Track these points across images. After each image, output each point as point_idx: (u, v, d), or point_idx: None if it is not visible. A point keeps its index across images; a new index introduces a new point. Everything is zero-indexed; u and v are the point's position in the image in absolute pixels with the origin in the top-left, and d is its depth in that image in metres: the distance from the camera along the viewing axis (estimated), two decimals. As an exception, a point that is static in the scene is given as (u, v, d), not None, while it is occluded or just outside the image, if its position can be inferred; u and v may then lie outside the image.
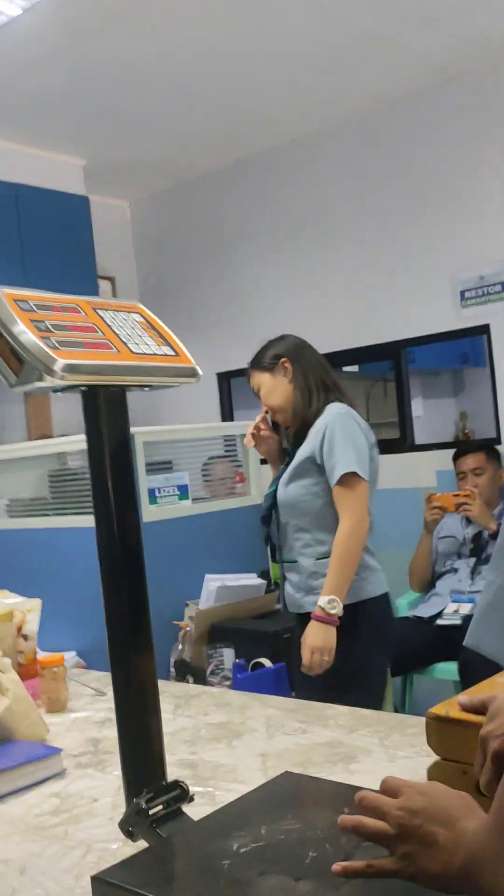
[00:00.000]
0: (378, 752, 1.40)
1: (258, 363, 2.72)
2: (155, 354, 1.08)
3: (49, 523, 3.57)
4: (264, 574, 3.60)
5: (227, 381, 5.29)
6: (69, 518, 3.56)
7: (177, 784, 1.05)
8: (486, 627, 0.63)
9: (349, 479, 2.43)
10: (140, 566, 1.06)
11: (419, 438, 4.49)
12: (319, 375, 2.66)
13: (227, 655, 2.98)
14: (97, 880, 0.86)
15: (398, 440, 4.49)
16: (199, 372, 1.13)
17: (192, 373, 1.11)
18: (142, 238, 5.67)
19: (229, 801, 1.24)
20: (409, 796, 0.78)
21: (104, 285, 5.33)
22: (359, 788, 1.05)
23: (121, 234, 5.66)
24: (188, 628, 3.12)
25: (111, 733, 1.64)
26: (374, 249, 4.46)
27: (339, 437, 2.47)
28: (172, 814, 1.02)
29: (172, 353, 1.11)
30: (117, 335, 1.07)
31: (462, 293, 4.11)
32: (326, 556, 2.50)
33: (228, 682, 2.90)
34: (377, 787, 1.21)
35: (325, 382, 2.66)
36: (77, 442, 3.73)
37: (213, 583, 3.23)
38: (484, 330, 4.06)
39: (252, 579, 3.38)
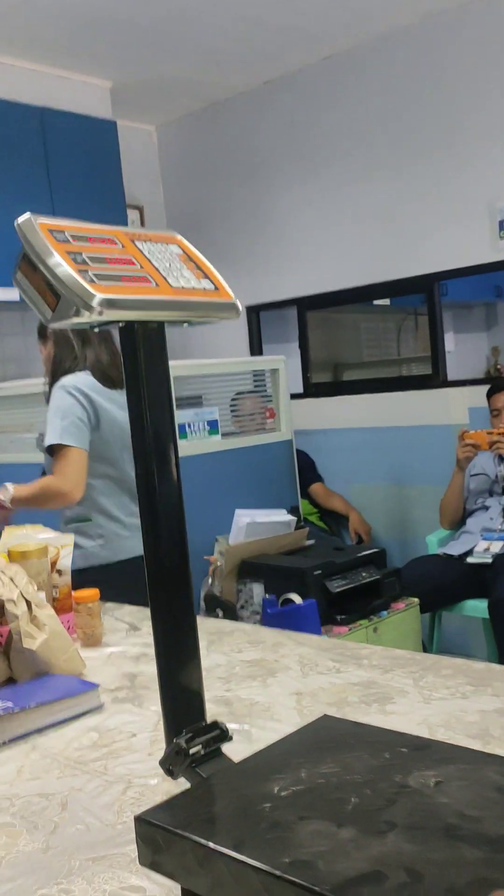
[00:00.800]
0: (413, 692, 1.40)
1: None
2: (195, 289, 1.04)
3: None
4: (294, 510, 3.59)
5: (257, 315, 5.21)
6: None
7: (216, 725, 1.05)
8: None
9: (56, 449, 2.57)
10: (180, 506, 1.04)
11: (451, 374, 4.41)
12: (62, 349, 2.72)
13: (257, 591, 3.01)
14: (141, 821, 0.86)
15: (430, 376, 4.41)
16: (240, 308, 1.09)
17: (232, 308, 1.07)
18: (169, 165, 5.53)
19: (265, 738, 1.25)
20: None
21: (132, 214, 5.22)
22: (397, 734, 1.05)
23: (147, 160, 5.52)
24: (218, 563, 3.14)
25: (147, 668, 1.66)
26: (410, 177, 4.31)
27: (49, 413, 2.61)
28: (212, 754, 1.02)
29: (212, 287, 1.07)
30: (156, 268, 1.02)
31: (501, 223, 3.97)
32: (74, 520, 2.69)
33: (258, 617, 2.92)
34: (414, 728, 1.21)
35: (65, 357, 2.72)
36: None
37: (244, 518, 3.23)
38: (522, 263, 3.94)
39: (282, 515, 3.38)
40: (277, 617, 2.74)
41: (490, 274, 4.38)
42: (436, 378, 4.37)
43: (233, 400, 3.95)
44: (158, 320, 1.01)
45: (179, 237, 1.15)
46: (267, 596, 2.91)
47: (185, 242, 1.14)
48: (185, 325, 1.07)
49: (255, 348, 5.24)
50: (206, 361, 3.91)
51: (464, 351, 5.39)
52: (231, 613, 3.03)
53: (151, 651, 1.82)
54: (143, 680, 1.59)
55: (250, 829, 0.82)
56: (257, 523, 3.24)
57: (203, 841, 0.81)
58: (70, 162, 4.38)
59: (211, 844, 0.80)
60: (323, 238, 4.71)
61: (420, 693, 1.39)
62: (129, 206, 4.98)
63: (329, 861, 0.74)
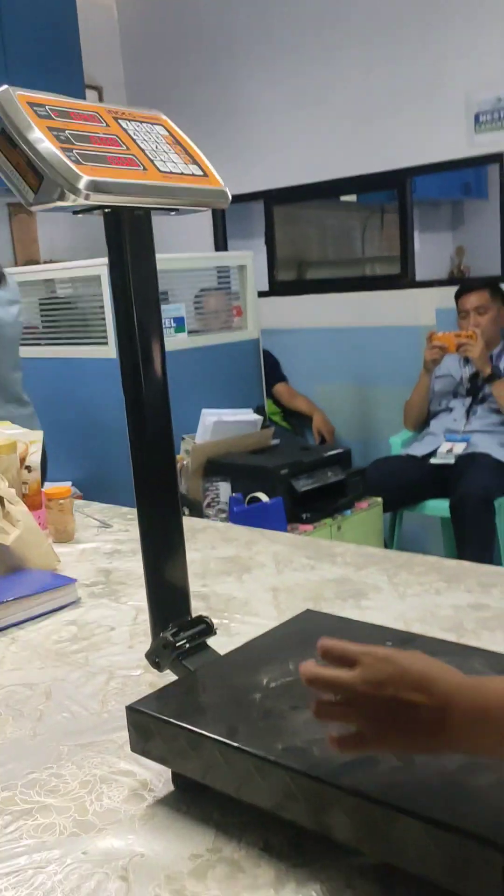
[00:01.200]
0: (387, 589, 1.43)
1: None
2: (183, 174, 0.99)
3: (41, 353, 3.50)
4: (260, 410, 3.58)
5: (222, 209, 5.05)
6: (63, 349, 3.48)
7: (202, 619, 1.06)
8: None
9: None
10: (165, 397, 1.02)
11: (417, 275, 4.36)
12: None
13: (224, 489, 3.02)
14: (132, 710, 0.88)
15: (398, 276, 4.36)
16: (230, 196, 1.04)
17: (222, 196, 1.02)
18: (130, 42, 5.22)
19: (245, 632, 1.27)
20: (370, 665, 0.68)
21: (90, 95, 4.95)
22: (380, 628, 1.07)
23: (107, 37, 5.19)
24: (185, 462, 3.14)
25: (121, 564, 1.66)
26: (384, 68, 4.14)
27: None
28: (197, 647, 1.03)
29: (201, 173, 1.02)
30: (143, 150, 0.97)
31: (476, 116, 3.86)
32: None
33: (224, 515, 2.95)
34: (390, 623, 1.24)
35: None
36: (68, 269, 3.59)
37: (210, 417, 3.21)
38: (497, 158, 3.84)
39: (248, 415, 3.37)
40: (244, 515, 2.77)
41: (459, 171, 4.28)
42: (404, 278, 4.32)
43: (196, 297, 3.87)
44: (146, 207, 0.96)
45: (165, 117, 1.08)
46: (234, 494, 2.93)
47: (171, 123, 1.08)
48: (173, 213, 1.02)
49: (220, 244, 5.10)
50: (171, 256, 3.79)
51: (428, 250, 5.31)
52: (197, 511, 3.05)
53: (124, 547, 1.83)
54: (118, 576, 1.60)
55: (243, 718, 0.84)
56: (224, 422, 3.22)
57: (197, 728, 0.82)
58: (26, 37, 4.10)
59: (204, 731, 0.82)
60: (292, 128, 4.53)
61: (395, 589, 1.42)
62: (87, 86, 4.72)
63: (323, 748, 0.76)
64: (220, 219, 5.07)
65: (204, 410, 3.27)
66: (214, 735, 0.81)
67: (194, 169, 1.01)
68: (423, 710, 0.64)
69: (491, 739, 0.63)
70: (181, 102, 4.92)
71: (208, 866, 0.77)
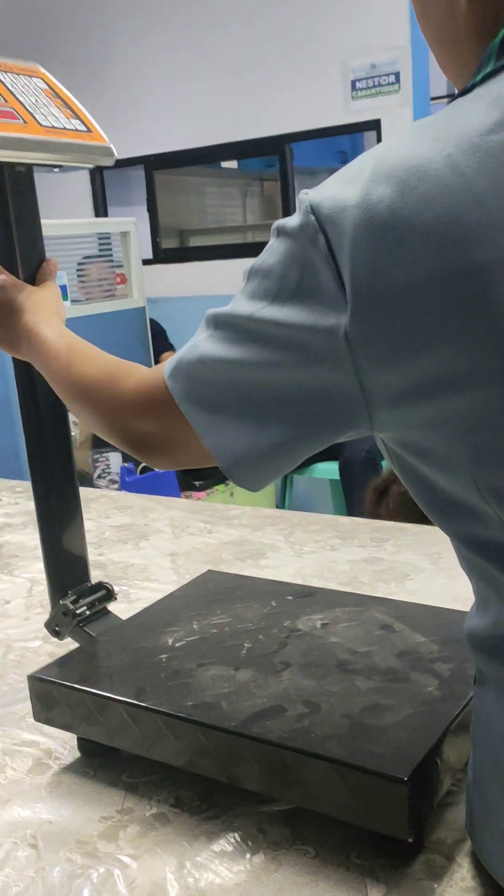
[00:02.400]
0: (285, 547, 1.45)
1: None
2: (66, 129, 0.96)
3: None
4: (148, 378, 3.54)
5: (101, 174, 4.93)
6: None
7: (101, 585, 1.05)
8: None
9: None
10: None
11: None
12: None
13: (114, 460, 2.98)
14: (34, 679, 0.86)
15: (281, 243, 4.38)
16: (115, 152, 1.01)
17: (107, 153, 1.00)
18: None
19: (146, 598, 1.27)
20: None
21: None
22: (281, 583, 1.09)
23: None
24: (73, 434, 3.07)
25: (12, 538, 1.62)
26: (261, 32, 4.12)
27: None
28: (98, 614, 1.02)
29: (84, 128, 0.99)
30: (22, 103, 0.93)
31: (353, 83, 3.90)
32: None
33: (116, 486, 2.91)
34: (289, 580, 1.26)
35: None
36: None
37: (97, 387, 3.15)
38: (374, 125, 3.91)
39: (136, 384, 3.33)
40: (136, 484, 2.75)
41: (336, 139, 4.33)
42: (286, 245, 4.35)
43: (79, 265, 3.77)
44: (27, 162, 0.93)
45: (43, 70, 1.04)
46: (125, 464, 2.90)
47: (50, 77, 1.04)
48: (56, 170, 0.99)
49: (100, 210, 4.99)
50: (49, 222, 3.67)
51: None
52: (87, 484, 3.01)
53: (14, 521, 1.78)
54: (10, 549, 1.56)
55: (150, 679, 0.83)
56: (112, 392, 3.17)
57: (103, 692, 0.82)
58: None
59: (111, 694, 0.81)
60: (168, 91, 4.46)
61: (291, 548, 1.45)
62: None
63: (231, 701, 0.77)
64: (99, 184, 4.96)
65: (91, 381, 3.21)
66: (122, 697, 0.80)
67: (77, 124, 0.98)
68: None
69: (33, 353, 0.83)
70: (52, 62, 4.74)
71: (119, 827, 0.77)
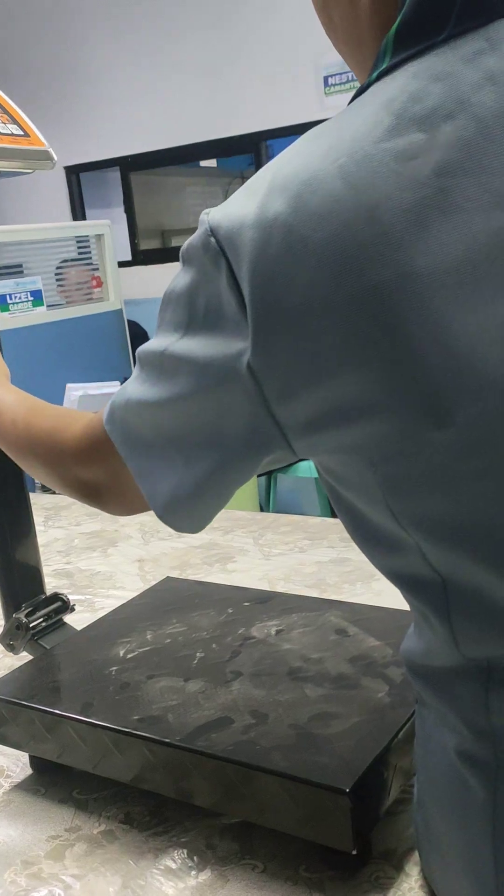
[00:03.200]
0: (253, 550, 1.43)
1: None
2: (1, 134, 0.94)
3: None
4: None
5: (77, 177, 4.90)
6: None
7: (57, 597, 1.03)
8: None
9: None
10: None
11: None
12: None
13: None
14: (-18, 697, 0.84)
15: (259, 241, 4.36)
16: (54, 156, 0.99)
17: (45, 156, 0.98)
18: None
19: (109, 606, 1.25)
20: None
21: None
22: (240, 589, 1.07)
23: None
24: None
25: (-20, 548, 1.60)
26: (234, 30, 4.10)
27: None
28: (54, 625, 1.00)
29: (21, 133, 0.97)
30: (-46, 108, 0.91)
31: (326, 79, 3.89)
32: None
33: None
34: (255, 584, 1.25)
35: None
36: None
37: (75, 392, 3.13)
38: (348, 122, 3.89)
39: (115, 387, 3.31)
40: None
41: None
42: (265, 243, 4.33)
43: (58, 269, 3.75)
44: (-38, 169, 0.91)
45: (-19, 74, 1.02)
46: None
47: (-12, 80, 1.02)
48: (-6, 175, 0.97)
49: (78, 213, 4.96)
50: (24, 227, 3.66)
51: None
52: (53, 490, 2.98)
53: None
54: (-22, 560, 1.54)
55: (98, 693, 0.82)
56: (90, 396, 3.15)
57: (49, 708, 0.80)
58: None
59: (58, 710, 0.79)
60: (145, 93, 4.43)
61: (260, 550, 1.43)
62: None
63: (178, 714, 0.75)
64: (75, 187, 4.93)
65: (69, 385, 3.19)
66: (68, 713, 0.78)
67: (13, 128, 0.96)
68: None
69: None
70: (25, 64, 4.72)
71: (66, 846, 0.75)
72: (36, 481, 3.12)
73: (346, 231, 0.46)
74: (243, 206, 0.50)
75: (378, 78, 0.51)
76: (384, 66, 0.50)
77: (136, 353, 0.60)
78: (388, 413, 0.47)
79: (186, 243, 0.54)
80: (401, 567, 0.55)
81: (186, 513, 0.59)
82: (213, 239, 0.50)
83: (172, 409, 0.56)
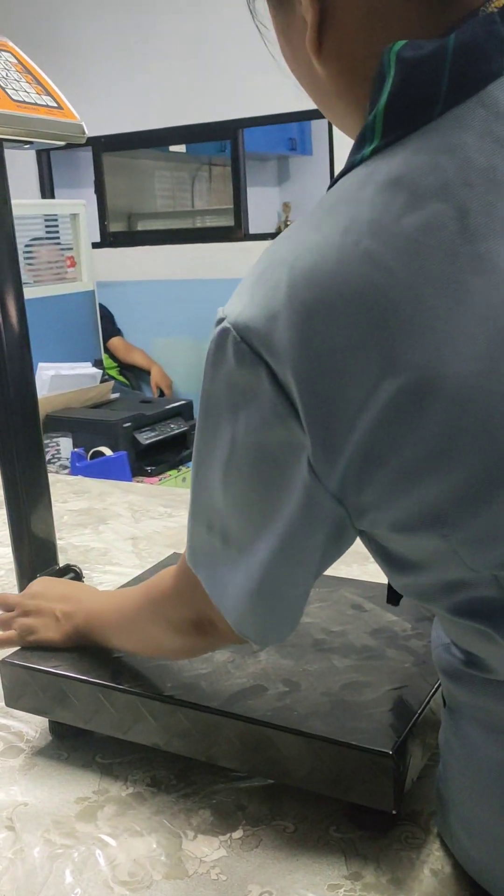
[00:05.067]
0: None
1: None
2: (37, 105, 0.94)
3: None
4: (98, 364, 3.51)
5: (47, 154, 4.84)
6: None
7: (69, 568, 1.04)
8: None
9: None
10: (25, 347, 0.98)
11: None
12: None
13: (65, 445, 2.95)
14: (5, 664, 0.85)
15: (232, 228, 4.37)
16: (87, 131, 1.00)
17: (79, 130, 0.99)
18: None
19: (109, 581, 1.26)
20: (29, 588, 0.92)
21: None
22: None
23: None
24: (22, 418, 3.03)
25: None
26: (216, 13, 4.09)
27: None
28: (67, 596, 1.01)
29: (55, 105, 0.97)
30: (-7, 77, 0.91)
31: (305, 72, 3.90)
32: None
33: (66, 471, 2.88)
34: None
35: None
36: None
37: (47, 371, 3.11)
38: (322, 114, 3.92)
39: (87, 368, 3.30)
40: (87, 470, 2.72)
41: (286, 126, 4.31)
42: (238, 231, 4.34)
43: (27, 247, 3.70)
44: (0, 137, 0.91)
45: (11, 43, 1.02)
46: (75, 449, 2.87)
47: (19, 50, 1.02)
48: (27, 146, 0.97)
49: (47, 192, 4.90)
50: (-3, 202, 3.60)
51: (256, 205, 5.36)
52: (37, 468, 2.97)
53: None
54: (-33, 534, 1.53)
55: (124, 661, 0.83)
56: (62, 376, 3.14)
57: (77, 675, 0.81)
58: None
59: (87, 678, 0.81)
60: (120, 71, 4.40)
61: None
62: None
63: (211, 681, 0.77)
64: (45, 165, 4.86)
65: (40, 364, 3.16)
66: (97, 679, 0.80)
67: (48, 100, 0.97)
68: (56, 615, 0.86)
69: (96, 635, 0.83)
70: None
71: (97, 807, 0.77)
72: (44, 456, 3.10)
73: (393, 315, 0.45)
74: (267, 305, 0.48)
75: (371, 155, 0.49)
76: (376, 143, 0.49)
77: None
78: (461, 474, 0.46)
79: (209, 355, 0.52)
80: (463, 601, 0.53)
81: (259, 616, 0.60)
82: (245, 345, 0.49)
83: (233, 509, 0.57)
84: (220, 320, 0.51)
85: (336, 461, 0.48)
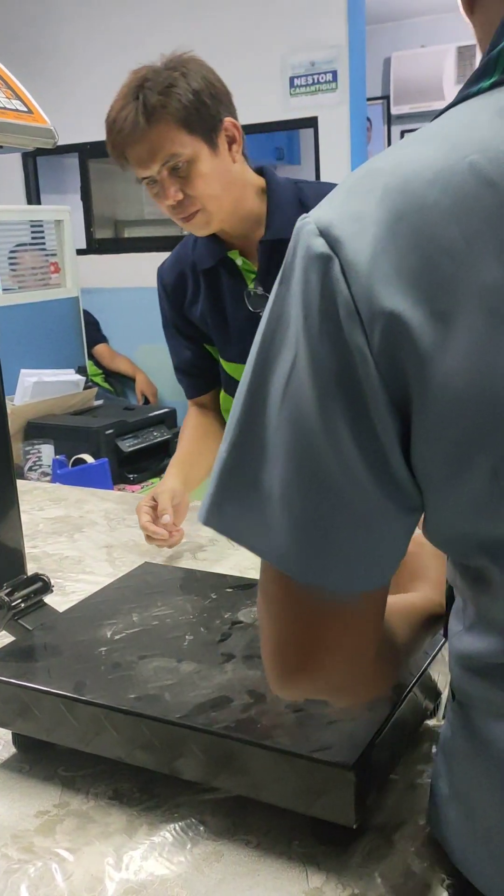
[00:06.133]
0: (222, 540, 1.44)
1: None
2: (6, 109, 0.93)
3: None
4: (81, 370, 3.50)
5: (34, 160, 4.83)
6: None
7: (37, 577, 1.03)
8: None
9: None
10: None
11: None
12: None
13: (46, 452, 2.93)
14: (-31, 674, 0.84)
15: (217, 236, 4.37)
16: (57, 135, 0.99)
17: (48, 134, 0.98)
18: None
19: (81, 590, 1.25)
20: None
21: None
22: (220, 575, 1.09)
23: None
24: (3, 424, 3.01)
25: None
26: (202, 26, 4.10)
27: None
28: (34, 606, 1.00)
29: (25, 109, 0.97)
30: (-39, 80, 0.90)
31: (291, 80, 3.91)
32: None
33: (48, 479, 2.86)
34: (227, 572, 1.26)
35: None
36: None
37: (30, 378, 3.10)
38: (312, 123, 3.93)
39: (70, 375, 3.29)
40: (69, 477, 2.70)
41: (273, 135, 4.32)
42: (222, 239, 4.34)
43: (11, 253, 3.70)
44: (-34, 142, 0.90)
45: (-18, 47, 1.02)
46: (57, 457, 2.85)
47: (-11, 54, 1.01)
48: (-4, 150, 0.96)
49: (33, 198, 4.89)
50: (-19, 208, 3.60)
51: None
52: (18, 475, 2.95)
53: None
54: None
55: (90, 672, 0.82)
56: (44, 382, 3.12)
57: (39, 686, 0.80)
58: None
59: (49, 689, 0.79)
60: (108, 81, 4.39)
61: (228, 541, 1.44)
62: None
63: (176, 693, 0.76)
64: (31, 171, 4.86)
65: (23, 371, 3.15)
66: (60, 691, 0.79)
67: (17, 104, 0.96)
68: None
69: None
70: (-14, 44, 4.62)
71: (56, 821, 0.76)
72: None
73: (488, 228, 0.45)
74: (356, 207, 0.48)
75: (490, 88, 0.51)
76: (496, 77, 0.51)
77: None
78: None
79: (287, 256, 0.51)
80: None
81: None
82: (320, 239, 0.48)
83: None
84: (303, 219, 0.50)
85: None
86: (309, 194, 1.39)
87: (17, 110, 0.94)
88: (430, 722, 0.85)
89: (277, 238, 1.34)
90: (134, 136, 1.23)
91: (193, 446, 1.56)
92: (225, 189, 1.30)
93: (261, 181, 1.39)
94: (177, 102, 1.23)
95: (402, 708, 0.72)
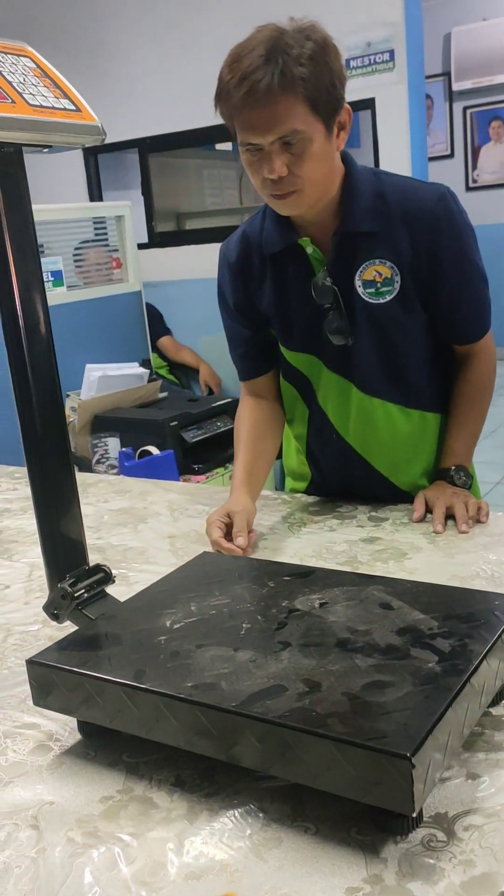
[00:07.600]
0: (283, 529, 1.45)
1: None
2: (54, 108, 0.95)
3: None
4: (145, 363, 3.54)
5: (95, 158, 4.89)
6: None
7: (99, 568, 1.04)
8: None
9: None
10: (50, 351, 0.99)
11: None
12: None
13: (113, 445, 2.98)
14: (32, 663, 0.86)
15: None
16: (104, 132, 1.00)
17: (96, 132, 0.99)
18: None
19: (144, 580, 1.27)
20: None
21: None
22: (278, 563, 1.09)
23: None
24: (71, 419, 3.07)
25: (11, 523, 1.62)
26: (255, 10, 4.07)
27: None
28: (97, 596, 1.02)
29: (73, 108, 0.98)
30: (10, 83, 0.92)
31: (347, 62, 3.86)
32: None
33: (115, 471, 2.91)
34: (287, 561, 1.26)
35: None
36: None
37: (95, 373, 3.15)
38: (369, 104, 3.87)
39: (134, 368, 3.32)
40: (135, 469, 2.74)
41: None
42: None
43: (76, 250, 3.75)
44: (16, 143, 0.92)
45: (31, 49, 1.03)
46: (123, 449, 2.90)
47: (38, 55, 1.02)
48: (45, 150, 0.98)
49: (95, 194, 4.95)
50: (45, 207, 3.65)
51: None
52: (86, 469, 3.00)
53: (13, 506, 1.78)
54: (9, 534, 1.56)
55: (149, 661, 0.83)
56: (109, 377, 3.17)
57: (101, 675, 0.82)
58: None
59: (110, 677, 0.81)
60: (165, 74, 4.41)
61: (290, 529, 1.44)
62: None
63: (231, 681, 0.77)
64: (93, 168, 4.92)
65: (88, 366, 3.20)
66: (121, 679, 0.80)
67: (66, 103, 0.97)
68: None
69: None
70: (46, 45, 4.69)
71: (120, 806, 0.77)
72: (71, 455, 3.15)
73: None
74: None
75: None
76: None
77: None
78: None
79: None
80: None
81: None
82: None
83: None
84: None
85: None
86: (390, 188, 1.33)
87: (65, 109, 0.96)
88: (493, 710, 0.83)
89: (353, 231, 1.32)
90: (261, 101, 1.19)
91: (251, 456, 1.50)
92: (326, 175, 1.27)
93: (342, 168, 1.35)
94: (316, 79, 1.17)
95: (460, 696, 0.71)
